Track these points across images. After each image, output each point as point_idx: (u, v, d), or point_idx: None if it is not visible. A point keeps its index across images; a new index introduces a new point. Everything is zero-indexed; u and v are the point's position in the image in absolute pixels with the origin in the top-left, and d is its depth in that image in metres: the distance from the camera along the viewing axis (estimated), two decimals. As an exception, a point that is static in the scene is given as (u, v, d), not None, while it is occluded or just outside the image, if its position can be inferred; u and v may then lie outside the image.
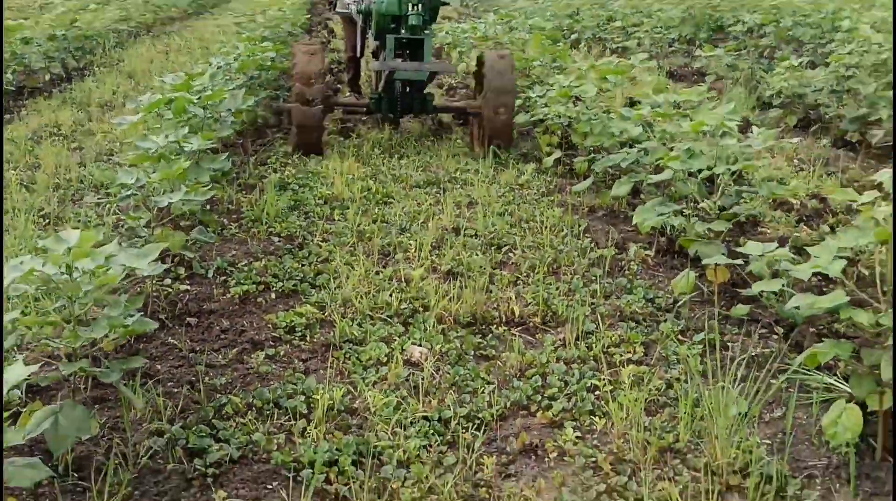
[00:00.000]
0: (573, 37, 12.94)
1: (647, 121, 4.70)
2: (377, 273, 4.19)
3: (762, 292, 3.40)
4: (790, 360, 3.35)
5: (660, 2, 14.29)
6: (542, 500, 2.60)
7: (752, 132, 5.20)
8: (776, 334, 3.62)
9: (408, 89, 6.62)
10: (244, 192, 5.47)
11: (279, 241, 4.64)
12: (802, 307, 2.82)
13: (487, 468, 2.72)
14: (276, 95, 7.67)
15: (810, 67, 9.54)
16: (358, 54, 8.00)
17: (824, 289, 3.72)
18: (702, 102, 4.69)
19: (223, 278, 4.18)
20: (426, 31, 6.41)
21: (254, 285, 4.04)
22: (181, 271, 4.12)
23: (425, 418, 2.98)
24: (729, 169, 3.82)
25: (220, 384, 3.20)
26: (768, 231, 4.78)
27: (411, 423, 2.96)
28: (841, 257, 2.82)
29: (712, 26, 13.69)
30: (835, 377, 3.09)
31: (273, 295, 3.98)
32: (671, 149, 4.25)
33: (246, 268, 4.22)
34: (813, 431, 2.90)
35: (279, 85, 8.24)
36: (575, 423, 2.99)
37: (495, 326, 3.73)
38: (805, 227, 4.87)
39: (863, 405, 2.76)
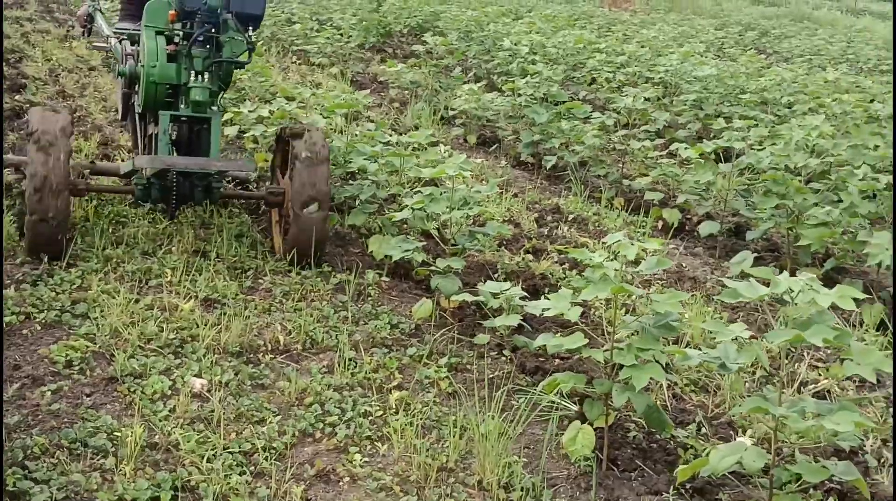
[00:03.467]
0: (250, 34, 13.15)
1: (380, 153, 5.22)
2: (136, 301, 4.35)
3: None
4: (520, 381, 4.04)
5: (338, 13, 14.87)
6: (351, 522, 3.03)
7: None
8: (504, 356, 4.27)
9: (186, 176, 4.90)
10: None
11: (23, 265, 4.62)
12: (549, 347, 3.46)
13: (297, 496, 3.10)
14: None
15: (474, 80, 10.54)
16: (121, 117, 6.12)
17: (544, 321, 4.40)
18: (432, 144, 5.26)
19: (-28, 307, 4.16)
20: (214, 108, 4.85)
21: (14, 316, 4.07)
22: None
23: (228, 451, 3.29)
24: (467, 214, 4.42)
25: (13, 423, 3.29)
26: (476, 255, 5.44)
27: (215, 456, 3.25)
28: (576, 305, 3.49)
29: (381, 32, 14.53)
30: (559, 397, 3.77)
31: (38, 326, 4.05)
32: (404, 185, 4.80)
33: (-3, 296, 4.23)
34: (552, 446, 3.54)
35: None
36: (358, 448, 3.43)
37: (262, 354, 4.07)
38: (507, 251, 5.59)
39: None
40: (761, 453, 2.78)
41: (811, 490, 3.21)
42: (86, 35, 6.09)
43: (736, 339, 2.86)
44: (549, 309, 3.49)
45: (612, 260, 3.47)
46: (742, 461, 2.67)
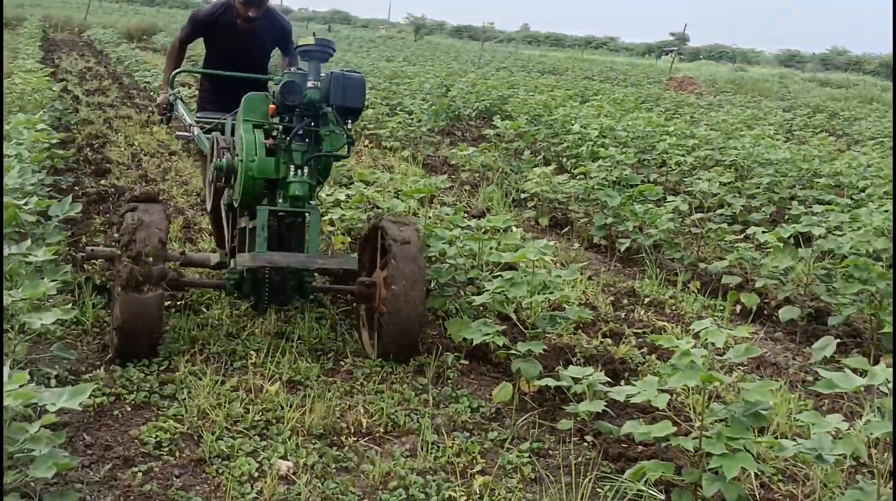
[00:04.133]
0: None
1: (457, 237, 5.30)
2: (222, 383, 4.42)
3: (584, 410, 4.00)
4: (604, 467, 4.00)
5: (408, 98, 15.20)
6: None
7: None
8: (586, 441, 4.24)
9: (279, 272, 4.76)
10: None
11: (112, 348, 4.73)
12: (637, 435, 3.44)
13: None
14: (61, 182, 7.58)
15: (543, 162, 10.64)
16: (209, 209, 5.76)
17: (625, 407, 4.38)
18: (508, 228, 5.32)
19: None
20: (312, 202, 4.73)
21: (104, 397, 4.17)
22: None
23: (316, 535, 3.31)
24: (547, 298, 4.45)
25: (106, 504, 3.36)
26: (553, 338, 5.44)
27: (303, 540, 3.28)
28: (663, 391, 3.48)
29: (450, 116, 14.79)
30: (646, 485, 3.73)
31: (128, 407, 4.13)
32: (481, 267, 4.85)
33: (90, 378, 4.32)
34: (641, 535, 3.50)
35: (63, 168, 8.15)
36: (444, 534, 3.43)
37: (345, 436, 4.10)
38: (584, 334, 5.59)
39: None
40: (861, 548, 2.73)
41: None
42: (166, 123, 6.12)
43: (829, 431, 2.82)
44: (635, 396, 3.49)
45: (698, 347, 3.46)
46: (843, 556, 2.61)
